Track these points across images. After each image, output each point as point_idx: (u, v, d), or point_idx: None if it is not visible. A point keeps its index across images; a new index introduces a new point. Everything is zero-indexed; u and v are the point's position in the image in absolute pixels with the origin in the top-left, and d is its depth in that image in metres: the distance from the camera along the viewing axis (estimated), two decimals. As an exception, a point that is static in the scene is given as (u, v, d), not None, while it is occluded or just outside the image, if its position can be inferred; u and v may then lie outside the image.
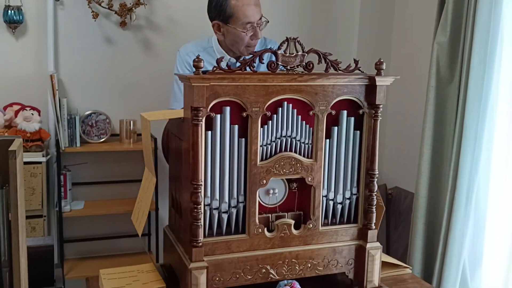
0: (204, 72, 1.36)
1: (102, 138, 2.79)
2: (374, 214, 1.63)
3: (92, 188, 2.89)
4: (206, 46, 2.31)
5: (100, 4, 2.69)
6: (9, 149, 0.88)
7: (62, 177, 2.64)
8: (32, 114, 2.51)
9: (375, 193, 1.63)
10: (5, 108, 2.56)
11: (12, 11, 2.56)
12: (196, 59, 1.33)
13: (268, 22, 2.21)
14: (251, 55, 1.42)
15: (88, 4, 2.67)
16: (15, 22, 2.58)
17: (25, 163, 2.39)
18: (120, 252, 2.89)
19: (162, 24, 2.89)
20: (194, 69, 2.29)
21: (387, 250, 2.79)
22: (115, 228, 2.95)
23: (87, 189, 2.88)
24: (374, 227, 1.64)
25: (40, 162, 2.46)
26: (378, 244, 1.64)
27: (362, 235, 1.64)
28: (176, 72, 2.30)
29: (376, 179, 1.62)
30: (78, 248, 2.86)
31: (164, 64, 2.76)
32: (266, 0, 2.97)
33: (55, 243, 2.70)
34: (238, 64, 2.22)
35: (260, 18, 2.17)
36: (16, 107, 2.56)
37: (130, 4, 2.73)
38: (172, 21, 2.89)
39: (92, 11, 2.67)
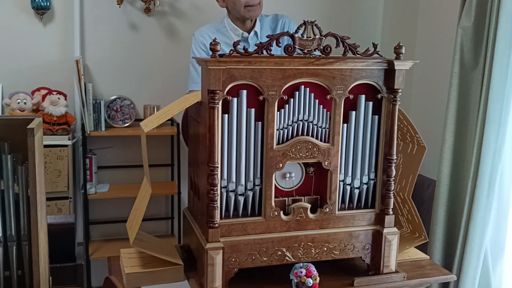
0: (221, 56, 1.37)
1: (127, 122, 2.83)
2: (392, 199, 1.63)
3: (117, 172, 2.95)
4: (219, 27, 2.36)
5: (124, -10, 2.72)
6: (28, 127, 0.92)
7: (87, 160, 2.70)
8: (59, 98, 2.56)
9: (393, 178, 1.62)
10: (33, 92, 2.63)
11: (40, -2, 2.62)
12: (213, 42, 1.35)
13: None
14: (268, 39, 1.42)
15: (113, -10, 2.70)
16: (42, 8, 2.64)
17: (52, 145, 2.45)
18: (144, 234, 2.94)
19: (186, 10, 2.90)
20: (209, 50, 2.33)
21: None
22: (139, 211, 3.00)
23: (112, 172, 2.94)
24: (391, 212, 1.64)
25: (66, 145, 2.52)
26: (395, 229, 1.64)
27: (379, 220, 1.64)
28: (193, 54, 2.35)
29: (394, 164, 1.62)
30: (103, 230, 2.93)
31: (187, 50, 2.76)
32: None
33: (79, 223, 2.77)
34: (249, 38, 2.25)
35: None
36: (43, 92, 2.62)
37: (154, -10, 2.75)
38: (196, 7, 2.90)
39: (117, -3, 2.71)
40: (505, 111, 2.08)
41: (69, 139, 2.54)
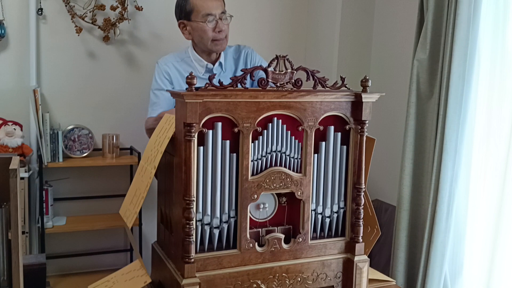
0: (197, 89, 1.38)
1: (85, 152, 2.77)
2: (361, 228, 1.66)
3: (74, 204, 2.86)
4: (183, 56, 2.37)
5: (83, 19, 2.68)
6: (10, 167, 0.89)
7: (44, 192, 2.60)
8: (15, 129, 2.48)
9: (362, 206, 1.66)
10: (-14, 123, 2.53)
11: (-6, 25, 2.54)
12: (190, 76, 1.35)
13: (232, 16, 2.28)
14: (243, 72, 1.44)
15: (71, 19, 2.66)
16: (-4, 36, 2.56)
17: (7, 178, 2.35)
18: (104, 268, 2.85)
19: (145, 39, 2.90)
20: (172, 78, 2.33)
21: (369, 262, 2.82)
22: (98, 244, 2.92)
23: (69, 204, 2.85)
24: (361, 240, 1.67)
25: (22, 178, 2.42)
26: (365, 257, 1.67)
27: (349, 248, 1.67)
28: (154, 81, 2.35)
29: (362, 193, 1.66)
30: (61, 264, 2.82)
31: (147, 78, 2.76)
32: (249, 19, 3.05)
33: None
34: (214, 69, 2.27)
35: (223, 13, 2.24)
36: (-3, 122, 2.53)
37: (114, 19, 2.73)
38: (155, 36, 2.90)
39: (76, 26, 2.67)
40: (460, 139, 2.18)
41: (25, 171, 2.44)
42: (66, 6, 2.65)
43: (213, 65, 2.32)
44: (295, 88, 1.52)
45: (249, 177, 1.49)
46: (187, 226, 1.40)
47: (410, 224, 2.39)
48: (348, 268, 1.66)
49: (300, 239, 1.60)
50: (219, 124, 1.44)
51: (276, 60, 1.50)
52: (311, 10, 3.22)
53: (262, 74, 1.48)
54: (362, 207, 1.66)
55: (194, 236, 1.43)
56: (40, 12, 2.63)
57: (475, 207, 2.29)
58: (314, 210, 1.63)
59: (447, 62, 2.15)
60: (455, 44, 2.11)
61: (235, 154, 1.47)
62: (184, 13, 2.26)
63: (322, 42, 3.13)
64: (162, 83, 2.32)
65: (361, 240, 1.67)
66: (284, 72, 1.50)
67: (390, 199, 2.87)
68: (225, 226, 1.49)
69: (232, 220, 1.50)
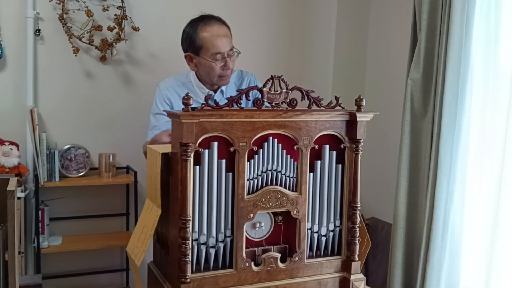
0: (193, 109, 1.39)
1: (81, 172, 2.77)
2: (357, 246, 1.67)
3: (71, 223, 2.86)
4: (184, 81, 2.35)
5: (80, 40, 2.71)
6: (8, 189, 0.89)
7: (40, 212, 2.60)
8: (11, 149, 2.49)
9: (358, 225, 1.67)
10: (-18, 143, 2.53)
11: (-8, 46, 2.57)
12: (186, 97, 1.37)
13: (239, 53, 2.27)
14: (238, 93, 1.46)
15: (68, 39, 2.69)
16: (-6, 56, 2.58)
17: (3, 198, 2.35)
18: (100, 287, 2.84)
19: (142, 59, 2.92)
20: (173, 104, 2.33)
21: (366, 281, 2.81)
22: (94, 264, 2.91)
23: (65, 224, 2.84)
24: (357, 258, 1.67)
25: (19, 198, 2.42)
26: (361, 275, 1.67)
27: (346, 267, 1.67)
28: (155, 105, 2.33)
29: (358, 212, 1.67)
30: (57, 285, 2.80)
31: (144, 98, 2.78)
32: (244, 38, 3.08)
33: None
34: (215, 96, 2.27)
35: (231, 49, 2.23)
36: (-6, 142, 2.54)
37: (111, 39, 2.76)
38: (152, 56, 2.93)
39: (73, 46, 2.70)
40: (454, 157, 2.20)
41: (21, 191, 2.44)
42: (63, 27, 2.67)
43: (215, 92, 2.33)
44: (290, 108, 1.54)
45: (245, 196, 1.49)
46: (183, 245, 1.40)
47: (406, 242, 2.40)
48: (344, 287, 1.66)
49: (297, 258, 1.60)
50: (215, 144, 1.45)
51: (271, 80, 1.52)
52: (306, 31, 3.27)
53: (257, 94, 1.50)
54: (358, 225, 1.67)
55: (190, 256, 1.42)
56: (37, 33, 2.66)
57: (470, 224, 2.30)
58: (310, 228, 1.63)
59: (440, 81, 2.18)
60: (448, 64, 2.14)
61: (231, 173, 1.48)
62: (192, 48, 2.23)
63: (317, 62, 3.17)
64: (163, 107, 2.31)
65: (357, 258, 1.67)
66: (279, 92, 1.52)
67: (386, 217, 2.87)
68: (221, 245, 1.49)
69: (228, 239, 1.50)
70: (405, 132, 2.35)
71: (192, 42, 2.23)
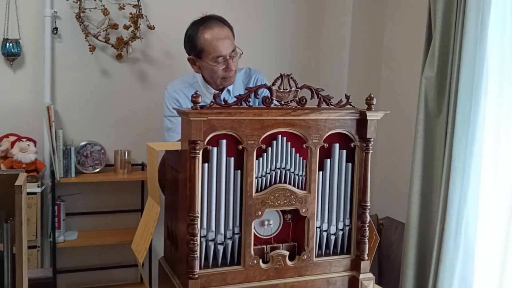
0: (202, 107, 1.40)
1: (97, 168, 2.81)
2: (367, 245, 1.66)
3: (86, 218, 2.90)
4: (191, 81, 2.36)
5: (97, 38, 2.75)
6: (15, 184, 0.92)
7: (56, 207, 2.65)
8: (28, 145, 2.53)
9: (367, 224, 1.67)
10: (1, 139, 2.59)
11: (11, 44, 2.62)
12: (194, 95, 1.38)
13: (242, 53, 2.24)
14: (247, 91, 1.47)
15: (85, 37, 2.73)
16: (13, 54, 2.63)
17: (20, 193, 2.40)
18: (114, 282, 2.88)
19: (157, 57, 2.95)
20: (182, 104, 2.34)
21: (379, 280, 2.81)
22: (109, 259, 2.95)
23: (81, 219, 2.89)
24: (366, 258, 1.67)
25: (35, 193, 2.47)
26: (370, 275, 1.66)
27: (355, 266, 1.67)
28: (166, 108, 2.34)
29: (368, 211, 1.66)
30: (71, 279, 2.85)
31: (158, 96, 2.80)
32: (258, 38, 3.10)
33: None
34: (222, 95, 2.28)
35: (233, 51, 2.20)
36: (12, 138, 2.58)
37: (127, 37, 2.80)
38: (167, 54, 2.96)
39: (89, 44, 2.73)
40: (468, 157, 2.17)
41: (38, 187, 2.49)
42: (80, 25, 2.72)
43: (221, 92, 2.34)
44: (299, 106, 1.54)
45: (253, 194, 1.50)
46: (191, 242, 1.42)
47: (418, 242, 2.38)
48: (353, 286, 1.65)
49: (305, 256, 1.60)
50: (224, 142, 1.46)
51: (280, 79, 1.52)
52: (321, 30, 3.26)
53: (267, 92, 1.51)
54: (368, 224, 1.66)
55: (198, 252, 1.44)
56: (55, 31, 2.70)
57: (484, 224, 2.27)
58: (319, 227, 1.63)
59: (455, 80, 2.16)
60: (462, 62, 2.12)
61: (239, 171, 1.49)
62: (194, 51, 2.24)
63: (332, 60, 3.16)
64: (173, 110, 2.33)
65: (366, 258, 1.67)
66: (288, 90, 1.52)
67: (400, 216, 2.86)
68: (229, 242, 1.50)
69: (237, 236, 1.51)
70: (419, 131, 2.33)
71: (193, 46, 2.22)
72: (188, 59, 2.30)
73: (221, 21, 2.24)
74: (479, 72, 2.14)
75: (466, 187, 2.19)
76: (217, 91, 2.32)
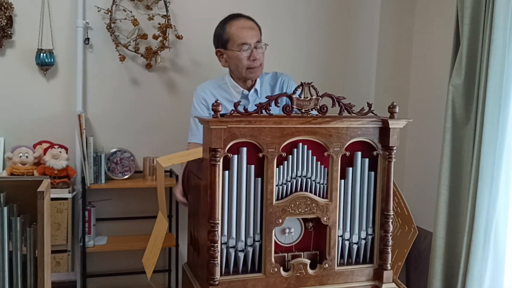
0: (222, 115, 1.43)
1: (126, 175, 2.87)
2: (390, 255, 1.65)
3: (115, 224, 2.96)
4: (220, 83, 2.45)
5: (127, 48, 2.81)
6: (38, 190, 0.95)
7: (86, 213, 2.71)
8: (60, 152, 2.61)
9: (391, 234, 1.65)
10: (34, 146, 2.67)
11: (44, 54, 2.70)
12: (215, 103, 1.41)
13: (267, 45, 2.33)
14: (267, 99, 1.48)
15: (115, 47, 2.80)
16: (46, 64, 2.72)
17: (52, 199, 2.46)
18: (142, 287, 2.92)
19: (186, 66, 3.00)
20: (209, 105, 2.40)
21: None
22: (137, 264, 2.98)
23: (110, 224, 2.95)
24: (389, 267, 1.65)
25: (66, 198, 2.54)
26: (393, 285, 1.65)
27: (377, 276, 1.66)
28: (193, 108, 2.43)
29: (391, 220, 1.65)
30: (100, 283, 2.91)
31: (187, 104, 2.84)
32: (286, 45, 3.11)
33: (78, 278, 2.75)
34: (249, 95, 2.32)
35: (258, 42, 2.29)
36: (45, 145, 2.66)
37: (156, 47, 2.85)
38: (195, 63, 3.00)
39: (120, 54, 2.80)
40: (497, 166, 2.13)
41: (69, 192, 2.56)
42: (111, 35, 2.79)
43: (249, 91, 2.38)
44: (320, 114, 1.55)
45: (274, 202, 1.51)
46: (212, 248, 1.44)
47: (446, 252, 2.33)
48: (375, 295, 1.64)
49: (327, 265, 1.60)
50: (244, 149, 1.48)
51: (301, 87, 1.53)
52: (349, 36, 3.25)
53: (287, 101, 1.52)
54: (391, 234, 1.65)
55: (219, 259, 1.46)
56: (87, 42, 2.78)
57: (515, 236, 2.21)
58: (341, 236, 1.63)
59: (483, 88, 2.12)
60: (490, 70, 2.08)
61: (260, 178, 1.50)
62: (221, 42, 2.34)
63: (360, 68, 3.14)
64: (200, 109, 2.40)
65: (389, 267, 1.65)
66: (309, 98, 1.53)
67: (429, 226, 2.81)
68: (250, 249, 1.51)
69: (257, 244, 1.52)
70: (447, 139, 2.30)
71: (220, 37, 2.34)
72: (216, 53, 2.39)
73: (248, 17, 2.35)
74: (508, 79, 2.09)
75: (495, 196, 2.14)
76: (245, 91, 2.36)
